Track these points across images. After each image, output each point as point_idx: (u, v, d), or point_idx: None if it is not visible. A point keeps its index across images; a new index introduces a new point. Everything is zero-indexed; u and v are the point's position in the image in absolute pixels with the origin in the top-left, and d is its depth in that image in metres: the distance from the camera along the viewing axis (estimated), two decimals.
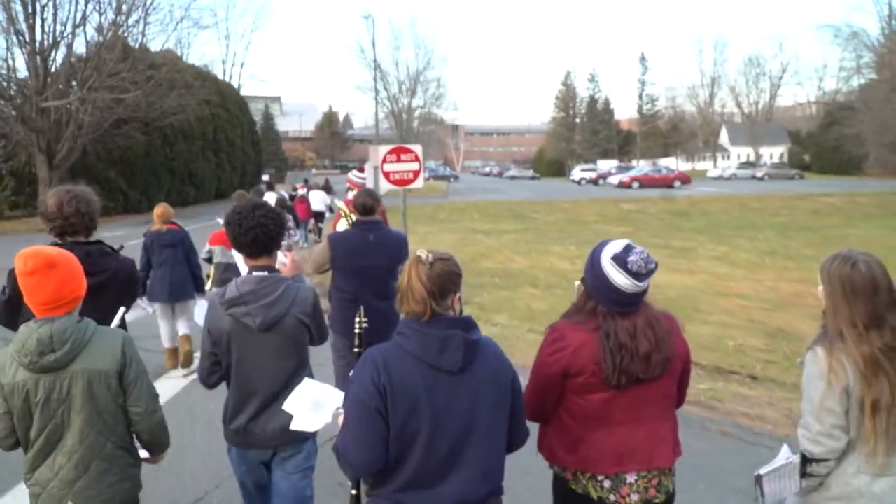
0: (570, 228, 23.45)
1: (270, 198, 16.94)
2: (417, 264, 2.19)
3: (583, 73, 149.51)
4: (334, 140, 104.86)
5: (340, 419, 2.25)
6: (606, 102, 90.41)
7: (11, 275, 3.05)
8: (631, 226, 24.06)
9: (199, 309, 4.35)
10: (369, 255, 4.63)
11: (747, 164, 64.02)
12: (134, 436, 2.67)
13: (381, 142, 47.47)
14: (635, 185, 46.38)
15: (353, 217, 4.99)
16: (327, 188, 23.23)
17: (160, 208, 7.39)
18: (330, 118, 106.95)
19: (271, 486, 3.05)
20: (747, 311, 10.06)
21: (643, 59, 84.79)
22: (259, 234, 2.89)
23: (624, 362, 2.32)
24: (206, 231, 9.76)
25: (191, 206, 38.36)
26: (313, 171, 78.13)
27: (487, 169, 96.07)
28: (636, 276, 2.33)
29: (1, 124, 25.93)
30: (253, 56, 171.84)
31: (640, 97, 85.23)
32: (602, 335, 2.36)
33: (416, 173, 12.30)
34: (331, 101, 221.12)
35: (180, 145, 37.30)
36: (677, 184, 46.42)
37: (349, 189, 7.65)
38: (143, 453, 2.79)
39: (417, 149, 12.36)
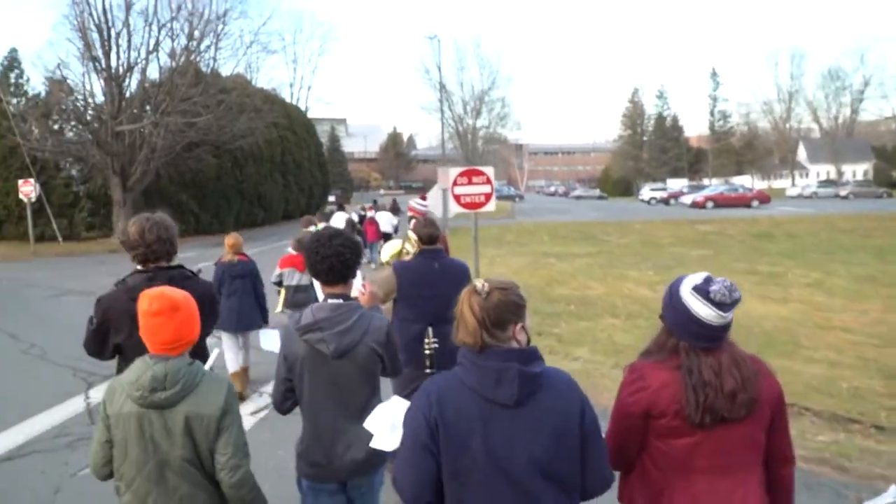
0: (646, 252, 22.47)
1: (340, 218, 16.95)
2: (472, 294, 2.12)
3: (650, 89, 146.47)
4: (399, 161, 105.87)
5: None
6: (675, 119, 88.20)
7: (100, 303, 3.16)
8: (710, 248, 22.90)
9: (265, 336, 4.77)
10: (434, 284, 4.55)
11: (829, 182, 61.30)
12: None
13: (446, 162, 47.20)
14: (709, 204, 44.62)
15: (411, 244, 5.04)
16: (394, 209, 23.22)
17: (231, 239, 7.50)
18: (394, 139, 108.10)
19: None
20: (856, 347, 9.08)
21: (714, 74, 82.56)
22: (335, 263, 2.93)
23: (708, 400, 2.18)
24: (275, 253, 9.77)
25: (259, 227, 38.95)
26: (381, 191, 78.91)
27: (552, 188, 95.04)
28: (720, 306, 2.22)
29: (78, 148, 26.71)
30: (319, 79, 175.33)
31: (712, 114, 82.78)
32: (685, 372, 2.24)
33: (488, 196, 11.78)
34: (395, 122, 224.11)
35: (250, 168, 37.91)
36: (755, 203, 44.42)
37: (411, 217, 7.72)
38: None
39: (489, 171, 11.85)
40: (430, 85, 65.70)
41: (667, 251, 22.50)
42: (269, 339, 5.66)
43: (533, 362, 2.08)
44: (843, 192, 53.53)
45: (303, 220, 10.66)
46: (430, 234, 4.74)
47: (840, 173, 69.50)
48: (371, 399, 2.97)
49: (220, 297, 6.74)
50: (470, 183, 11.75)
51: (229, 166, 35.53)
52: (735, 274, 16.55)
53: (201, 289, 3.32)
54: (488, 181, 11.75)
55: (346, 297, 2.98)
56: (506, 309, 2.09)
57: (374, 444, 2.68)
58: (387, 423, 2.67)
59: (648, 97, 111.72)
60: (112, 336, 3.13)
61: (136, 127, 25.99)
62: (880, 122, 79.24)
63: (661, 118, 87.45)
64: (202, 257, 22.58)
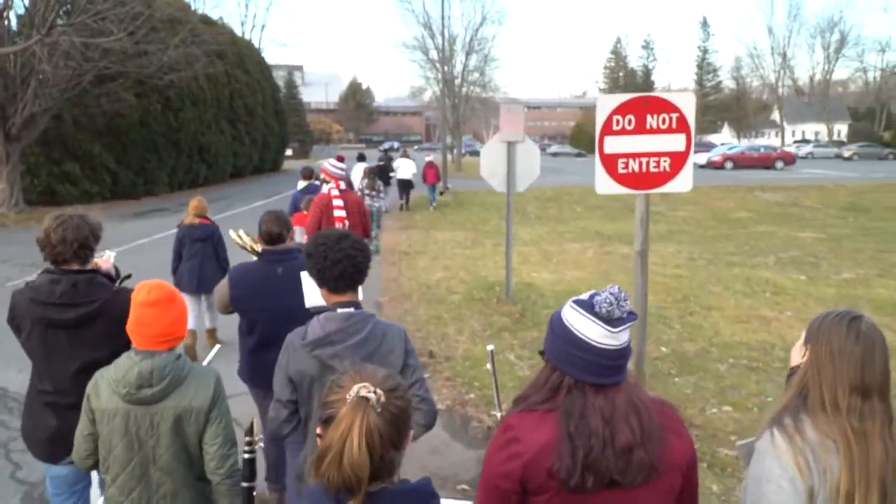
0: (733, 233, 16.58)
1: (359, 170, 16.54)
2: (364, 409, 1.46)
3: (635, 40, 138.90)
4: (359, 112, 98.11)
5: None
6: (647, 72, 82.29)
7: (12, 298, 2.93)
8: (811, 228, 17.09)
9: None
10: (276, 292, 3.72)
11: (831, 143, 57.47)
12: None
13: (426, 109, 40.03)
14: (728, 165, 39.13)
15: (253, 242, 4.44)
16: (406, 157, 22.39)
17: (195, 202, 7.50)
18: (354, 89, 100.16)
19: None
20: None
21: (705, 24, 76.67)
22: (347, 268, 2.62)
23: (592, 454, 1.60)
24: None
25: (202, 187, 31.34)
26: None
27: None
28: (608, 320, 1.66)
29: None
30: (274, 18, 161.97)
31: (700, 66, 76.92)
32: (563, 415, 1.65)
33: (680, 160, 5.42)
34: (355, 71, 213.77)
35: (187, 112, 29.91)
36: (780, 164, 39.10)
37: (324, 181, 7.18)
38: None
39: (685, 103, 5.42)
40: (413, 18, 57.33)
41: (757, 232, 16.76)
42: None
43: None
44: (846, 153, 49.86)
45: (303, 169, 10.20)
46: (268, 232, 3.91)
47: (830, 132, 65.20)
48: None
49: (173, 265, 7.22)
50: (642, 129, 5.35)
51: (158, 109, 27.41)
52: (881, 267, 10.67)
53: (114, 298, 2.86)
54: (683, 126, 5.36)
55: (357, 305, 2.66)
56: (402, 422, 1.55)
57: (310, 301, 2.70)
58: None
59: (633, 48, 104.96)
60: (19, 335, 2.92)
61: (15, 49, 18.21)
62: (850, 82, 75.19)
63: (645, 71, 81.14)
64: (120, 232, 15.65)
